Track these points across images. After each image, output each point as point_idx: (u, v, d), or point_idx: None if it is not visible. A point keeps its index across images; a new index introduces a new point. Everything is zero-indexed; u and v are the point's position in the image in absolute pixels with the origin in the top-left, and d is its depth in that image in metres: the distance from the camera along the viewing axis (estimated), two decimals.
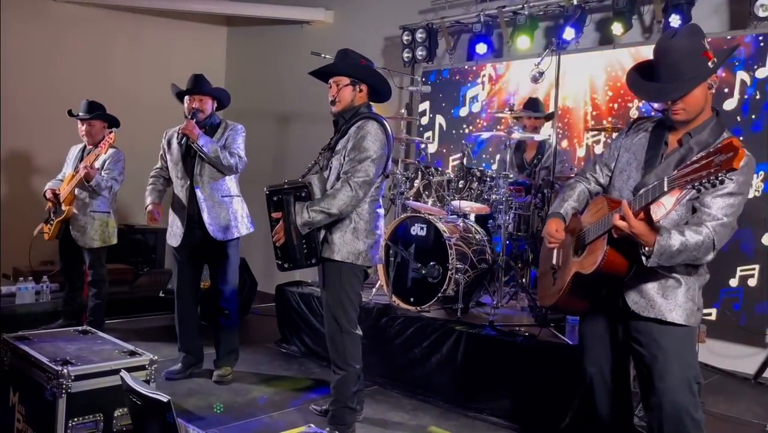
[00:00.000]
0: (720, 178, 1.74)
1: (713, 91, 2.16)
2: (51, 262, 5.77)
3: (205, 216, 3.70)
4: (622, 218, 2.00)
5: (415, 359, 3.82)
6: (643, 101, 2.23)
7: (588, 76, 5.02)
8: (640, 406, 2.69)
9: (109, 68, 7.05)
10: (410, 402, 3.70)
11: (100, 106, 4.56)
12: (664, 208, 2.13)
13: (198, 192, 3.70)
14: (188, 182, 3.73)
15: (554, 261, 2.52)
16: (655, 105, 3.08)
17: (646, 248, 2.02)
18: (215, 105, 3.87)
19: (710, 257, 2.11)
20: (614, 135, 3.75)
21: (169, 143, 3.86)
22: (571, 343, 3.38)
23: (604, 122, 4.67)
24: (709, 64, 2.10)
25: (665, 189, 1.90)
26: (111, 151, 4.43)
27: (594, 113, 4.99)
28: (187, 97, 3.79)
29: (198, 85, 3.79)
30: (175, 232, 3.80)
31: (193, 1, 7.51)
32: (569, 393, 3.19)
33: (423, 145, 5.42)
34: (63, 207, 4.43)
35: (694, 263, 2.14)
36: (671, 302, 2.19)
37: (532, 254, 4.36)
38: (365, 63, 3.10)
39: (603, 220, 2.17)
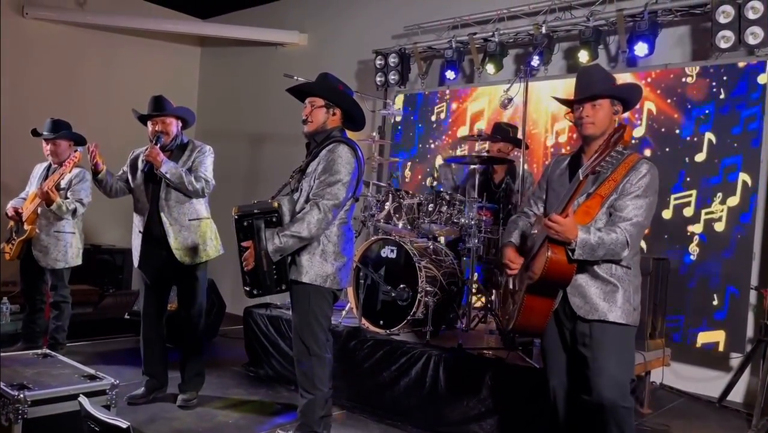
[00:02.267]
0: (618, 152, 2.20)
1: (617, 117, 2.57)
2: (12, 282, 5.63)
3: (171, 240, 3.61)
4: (550, 219, 2.33)
5: (383, 382, 3.79)
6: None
7: (551, 103, 5.11)
8: None
9: (80, 87, 6.97)
10: (378, 426, 3.66)
11: (66, 124, 4.48)
12: (593, 218, 2.43)
13: (163, 216, 3.60)
14: (153, 207, 3.63)
15: (511, 286, 2.72)
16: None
17: (572, 242, 2.32)
18: (180, 125, 3.76)
19: (626, 253, 2.41)
20: None
21: (134, 164, 3.78)
22: (538, 366, 3.40)
23: (563, 150, 4.75)
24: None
25: (580, 178, 2.33)
26: (76, 170, 4.36)
27: (554, 141, 5.09)
28: (149, 121, 3.70)
29: (159, 107, 3.66)
30: (135, 255, 3.73)
31: (167, 21, 7.51)
32: (536, 417, 3.19)
33: (398, 172, 5.40)
34: (25, 226, 4.33)
35: (614, 258, 2.43)
36: (612, 305, 2.46)
37: (500, 277, 4.38)
38: (343, 89, 3.15)
39: (542, 231, 2.45)
